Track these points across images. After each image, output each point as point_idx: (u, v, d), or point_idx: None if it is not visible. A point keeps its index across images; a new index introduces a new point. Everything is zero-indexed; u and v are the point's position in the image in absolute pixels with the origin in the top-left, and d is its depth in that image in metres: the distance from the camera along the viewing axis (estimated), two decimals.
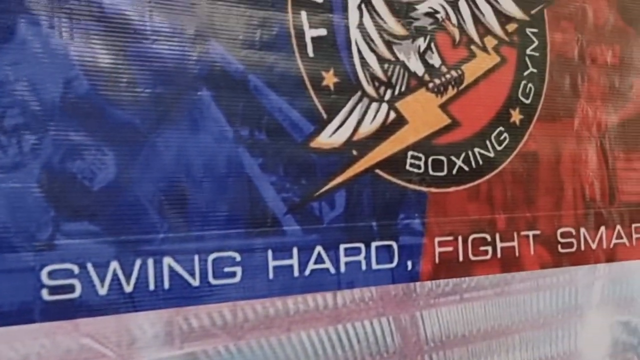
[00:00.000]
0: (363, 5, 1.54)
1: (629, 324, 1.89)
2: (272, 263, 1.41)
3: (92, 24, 1.24)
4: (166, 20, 1.31)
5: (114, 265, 1.24)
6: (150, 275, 1.28)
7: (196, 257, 1.33)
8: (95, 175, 1.23)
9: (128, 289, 1.25)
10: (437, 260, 1.62)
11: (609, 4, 1.91)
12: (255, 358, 1.38)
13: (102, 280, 1.22)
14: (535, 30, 1.79)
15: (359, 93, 1.53)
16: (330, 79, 1.50)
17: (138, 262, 1.26)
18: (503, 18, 1.74)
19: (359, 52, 1.54)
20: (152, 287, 1.28)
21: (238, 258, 1.37)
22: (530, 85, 1.76)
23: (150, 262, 1.28)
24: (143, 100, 1.28)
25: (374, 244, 1.54)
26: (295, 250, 1.44)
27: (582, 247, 1.82)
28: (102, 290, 1.22)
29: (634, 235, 1.91)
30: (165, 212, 1.31)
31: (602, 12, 1.89)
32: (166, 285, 1.30)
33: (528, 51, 1.77)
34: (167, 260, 1.30)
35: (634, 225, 1.91)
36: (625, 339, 1.86)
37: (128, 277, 1.25)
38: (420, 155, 1.60)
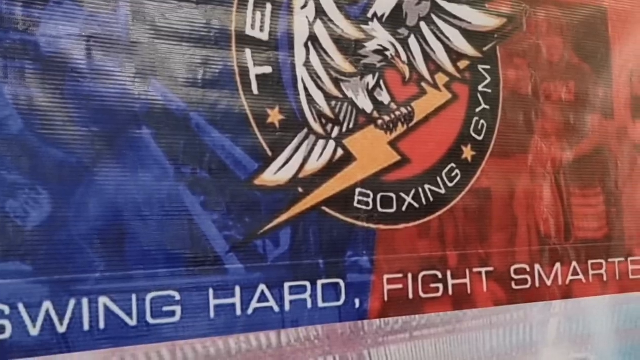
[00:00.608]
0: (310, 43, 1.57)
1: None
2: (213, 302, 1.41)
3: (28, 63, 1.26)
4: (105, 59, 1.33)
5: (47, 305, 1.24)
6: (85, 315, 1.28)
7: (134, 296, 1.33)
8: (28, 214, 1.24)
9: (61, 329, 1.26)
10: (386, 298, 1.63)
11: (564, 41, 1.95)
12: None
13: (34, 321, 1.23)
14: (487, 67, 1.82)
15: (305, 130, 1.56)
16: (275, 116, 1.52)
17: (72, 302, 1.27)
18: (454, 55, 1.77)
19: (306, 89, 1.56)
20: (86, 327, 1.28)
21: (178, 297, 1.37)
22: (482, 121, 1.79)
23: (85, 301, 1.28)
24: (80, 139, 1.30)
25: (320, 282, 1.54)
26: (237, 289, 1.44)
27: (537, 284, 1.84)
28: (34, 331, 1.23)
29: (590, 272, 1.93)
30: (102, 250, 1.32)
31: (556, 49, 1.93)
32: (102, 325, 1.30)
33: (480, 88, 1.80)
34: (103, 300, 1.30)
35: (590, 262, 1.93)
36: None
37: (61, 318, 1.26)
38: (369, 192, 1.62)
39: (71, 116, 1.30)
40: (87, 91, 1.32)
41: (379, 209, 1.63)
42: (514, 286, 1.81)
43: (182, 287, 1.38)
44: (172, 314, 1.37)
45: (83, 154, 1.31)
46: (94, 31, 1.32)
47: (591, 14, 2.01)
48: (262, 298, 1.46)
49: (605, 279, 1.96)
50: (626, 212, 2.02)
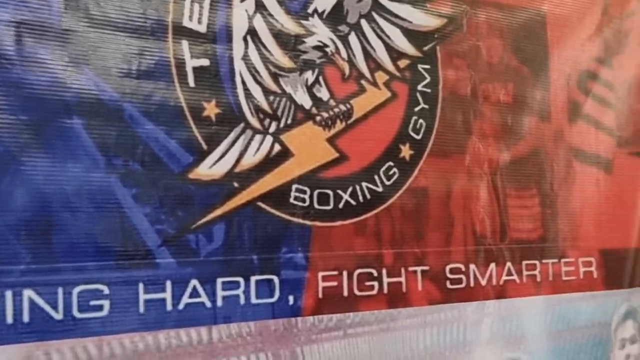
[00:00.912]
0: (249, 37, 1.60)
1: None
2: (143, 296, 1.43)
3: None
4: (36, 46, 1.33)
5: None
6: (9, 308, 1.28)
7: (60, 290, 1.34)
8: None
9: None
10: (320, 295, 1.66)
11: (503, 43, 2.02)
12: None
13: None
14: (427, 66, 1.87)
15: (242, 124, 1.58)
16: (211, 109, 1.54)
17: None
18: (395, 54, 1.82)
19: (243, 83, 1.59)
20: (10, 320, 1.28)
21: (106, 291, 1.38)
22: (421, 121, 1.84)
23: (8, 294, 1.28)
24: (8, 127, 1.30)
25: (253, 278, 1.57)
26: (168, 284, 1.46)
27: (472, 284, 1.90)
28: None
29: (524, 272, 2.00)
30: (28, 242, 1.32)
31: (495, 51, 2.00)
32: (26, 318, 1.30)
33: (420, 87, 1.85)
34: (28, 293, 1.30)
35: (524, 262, 1.99)
36: None
37: None
38: (306, 188, 1.65)
39: None
40: (16, 78, 1.31)
41: (316, 206, 1.67)
42: (448, 285, 1.86)
43: (111, 280, 1.39)
44: (100, 308, 1.38)
45: (10, 143, 1.30)
46: (24, 17, 1.32)
47: (530, 18, 2.07)
48: (194, 293, 1.48)
49: (538, 279, 2.03)
50: (560, 214, 2.09)
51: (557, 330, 2.06)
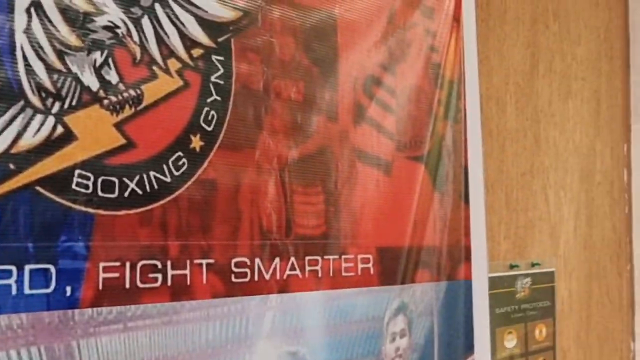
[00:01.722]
0: (32, 9, 1.59)
1: (297, 354, 2.11)
2: None
3: None
4: None
5: None
6: None
7: None
8: None
9: None
10: (100, 287, 1.69)
11: (296, 42, 2.17)
12: None
13: None
14: (221, 58, 1.96)
15: (22, 102, 1.57)
16: None
17: None
18: (189, 42, 1.89)
19: (25, 58, 1.57)
20: None
21: None
22: (213, 112, 1.93)
23: None
24: None
25: (28, 267, 1.56)
26: None
27: (256, 278, 2.02)
28: None
29: (307, 268, 2.15)
30: None
31: (288, 49, 2.14)
32: None
33: (213, 78, 1.94)
34: None
35: (307, 258, 2.15)
36: None
37: None
38: (89, 174, 1.67)
39: None
40: None
41: (99, 193, 1.69)
42: (233, 279, 1.96)
43: None
44: None
45: None
46: None
47: (322, 19, 2.25)
48: None
49: (320, 275, 2.20)
50: (343, 212, 2.29)
51: (335, 324, 2.23)
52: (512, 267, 3.10)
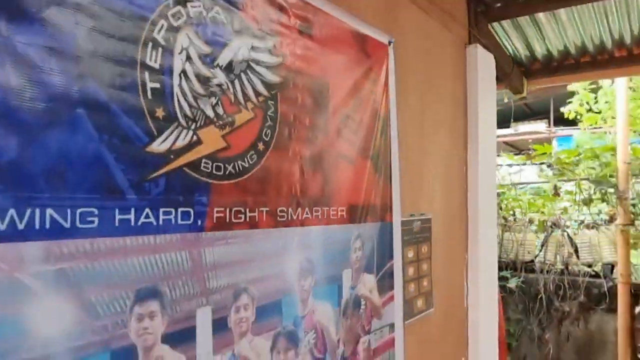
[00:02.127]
0: (181, 74, 1.64)
1: (309, 259, 2.13)
2: None
3: None
4: None
5: None
6: None
7: None
8: None
9: None
10: (214, 221, 1.72)
11: (310, 95, 2.19)
12: None
13: None
14: (272, 102, 1.99)
15: (176, 123, 1.61)
16: (160, 113, 1.56)
17: None
18: (256, 93, 1.93)
19: (178, 100, 1.62)
20: None
21: None
22: (269, 131, 1.96)
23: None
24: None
25: (179, 209, 1.60)
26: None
27: (289, 218, 2.04)
28: None
29: (314, 213, 2.16)
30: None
31: (305, 99, 2.16)
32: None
33: (268, 113, 1.97)
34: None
35: (314, 208, 2.16)
36: None
37: None
38: (209, 162, 1.71)
39: None
40: None
41: (214, 172, 1.72)
42: (278, 219, 1.98)
43: None
44: None
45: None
46: None
47: (321, 84, 2.26)
48: None
49: (320, 217, 2.21)
50: (332, 185, 2.29)
51: (327, 243, 2.22)
52: (411, 215, 3.17)
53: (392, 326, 2.85)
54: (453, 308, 3.81)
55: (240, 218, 1.85)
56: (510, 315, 6.57)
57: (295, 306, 2.10)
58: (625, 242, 6.05)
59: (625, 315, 5.89)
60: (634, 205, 6.15)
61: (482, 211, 4.11)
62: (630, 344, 5.86)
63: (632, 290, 5.91)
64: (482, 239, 4.08)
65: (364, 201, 2.57)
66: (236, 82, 1.87)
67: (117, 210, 1.44)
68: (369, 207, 2.62)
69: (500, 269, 5.10)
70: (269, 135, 2.00)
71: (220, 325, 1.75)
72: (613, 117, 6.57)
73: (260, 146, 1.96)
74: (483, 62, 4.26)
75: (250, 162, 1.91)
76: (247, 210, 1.88)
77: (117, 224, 1.44)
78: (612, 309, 6.05)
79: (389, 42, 2.89)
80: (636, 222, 6.10)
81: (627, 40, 4.63)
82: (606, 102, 6.92)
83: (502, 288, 6.22)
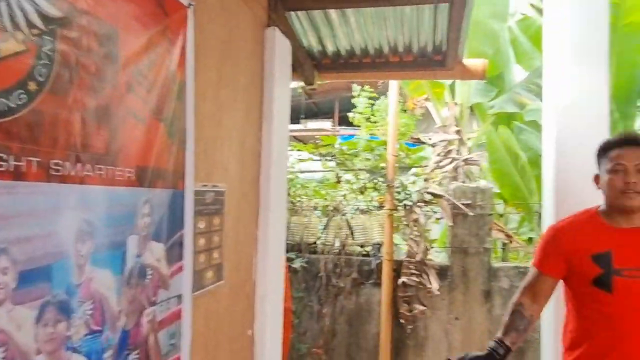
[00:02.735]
0: None
1: (89, 221, 2.03)
2: None
3: None
4: None
5: None
6: None
7: None
8: None
9: None
10: None
11: (97, 40, 2.09)
12: None
13: None
14: (50, 38, 1.84)
15: None
16: None
17: None
18: (30, 24, 1.75)
19: None
20: None
21: None
22: (44, 70, 1.81)
23: None
24: None
25: None
26: None
27: (66, 173, 1.91)
28: None
29: (96, 171, 2.06)
30: None
31: (91, 43, 2.05)
32: None
33: (44, 50, 1.81)
34: None
35: (96, 165, 2.06)
36: None
37: None
38: None
39: None
40: None
41: None
42: (51, 172, 1.84)
43: None
44: None
45: None
46: None
47: (110, 31, 2.18)
48: None
49: (103, 176, 2.12)
50: (119, 141, 2.23)
51: (111, 206, 2.17)
52: (204, 185, 3.28)
53: (179, 297, 2.92)
54: (242, 282, 4.07)
55: (1, 166, 1.66)
56: (294, 293, 7.30)
57: (70, 273, 1.98)
58: (390, 225, 7.43)
59: (388, 287, 7.25)
60: (398, 193, 7.57)
61: (274, 191, 4.49)
62: (391, 311, 7.24)
63: (394, 267, 7.30)
64: (272, 217, 4.46)
65: (154, 165, 2.56)
66: (2, 3, 1.67)
67: None
68: (160, 172, 2.62)
69: (287, 250, 5.64)
70: (44, 75, 1.84)
71: None
72: (384, 126, 8.07)
73: (32, 86, 1.79)
74: (281, 47, 4.66)
75: (19, 103, 1.73)
76: (12, 158, 1.70)
77: None
78: (378, 283, 7.35)
79: (189, 5, 2.94)
80: (399, 208, 7.53)
81: (400, 48, 5.69)
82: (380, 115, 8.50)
83: (288, 269, 6.86)
